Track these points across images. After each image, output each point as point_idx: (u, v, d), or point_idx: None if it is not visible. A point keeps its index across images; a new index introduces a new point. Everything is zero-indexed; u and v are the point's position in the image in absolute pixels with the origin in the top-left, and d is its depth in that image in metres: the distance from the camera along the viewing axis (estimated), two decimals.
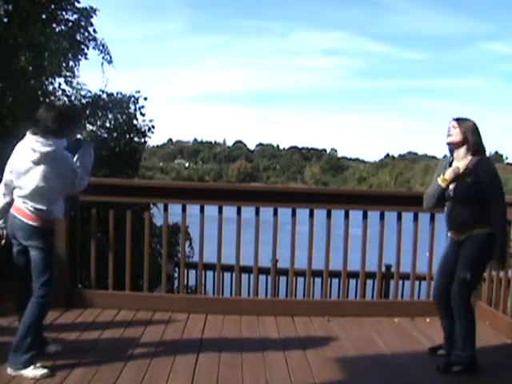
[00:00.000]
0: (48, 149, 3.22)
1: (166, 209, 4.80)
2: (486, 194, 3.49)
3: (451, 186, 3.60)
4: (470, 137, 3.55)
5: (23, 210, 3.28)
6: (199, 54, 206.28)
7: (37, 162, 3.23)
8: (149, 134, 11.97)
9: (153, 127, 11.91)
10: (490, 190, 3.50)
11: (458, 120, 3.62)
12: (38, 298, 3.28)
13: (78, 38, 11.01)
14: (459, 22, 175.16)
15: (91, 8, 10.95)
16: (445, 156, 3.77)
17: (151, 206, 7.19)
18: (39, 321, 3.32)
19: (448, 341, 3.75)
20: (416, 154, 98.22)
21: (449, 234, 3.75)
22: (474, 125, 3.59)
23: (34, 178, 3.24)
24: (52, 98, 10.79)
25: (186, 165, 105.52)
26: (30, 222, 3.28)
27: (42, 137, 3.23)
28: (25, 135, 3.31)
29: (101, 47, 11.36)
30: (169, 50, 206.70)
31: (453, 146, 3.64)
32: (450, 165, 3.66)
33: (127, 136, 11.60)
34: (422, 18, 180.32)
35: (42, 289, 3.29)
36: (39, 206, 3.27)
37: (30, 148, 3.23)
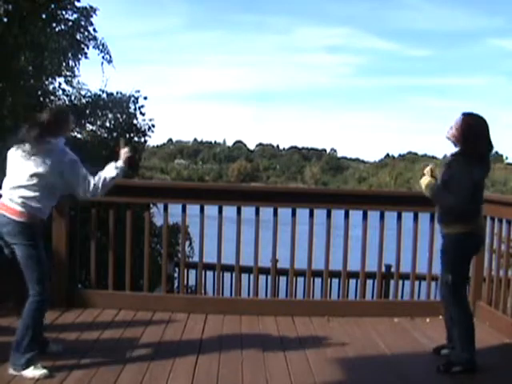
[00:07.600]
0: (41, 144, 3.22)
1: (165, 209, 4.80)
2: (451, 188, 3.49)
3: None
4: (462, 137, 3.52)
5: (10, 206, 3.22)
6: (198, 52, 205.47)
7: (29, 154, 3.21)
8: (149, 133, 11.97)
9: (153, 126, 11.89)
10: (451, 185, 3.48)
11: (464, 115, 3.57)
12: (33, 296, 3.25)
13: (78, 37, 11.00)
14: (467, 17, 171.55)
15: (91, 7, 10.95)
16: (445, 156, 3.78)
17: (151, 206, 7.19)
18: (37, 320, 3.29)
19: (450, 341, 3.75)
20: (416, 154, 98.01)
21: None
22: (472, 125, 3.52)
23: (25, 171, 3.22)
24: (52, 97, 10.79)
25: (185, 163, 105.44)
26: (17, 218, 3.22)
27: (38, 138, 3.22)
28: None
29: (101, 46, 11.37)
30: (167, 48, 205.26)
31: (452, 142, 3.64)
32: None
33: (127, 136, 11.58)
34: (428, 13, 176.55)
35: (37, 287, 3.25)
36: (26, 201, 3.21)
37: (22, 148, 3.24)
